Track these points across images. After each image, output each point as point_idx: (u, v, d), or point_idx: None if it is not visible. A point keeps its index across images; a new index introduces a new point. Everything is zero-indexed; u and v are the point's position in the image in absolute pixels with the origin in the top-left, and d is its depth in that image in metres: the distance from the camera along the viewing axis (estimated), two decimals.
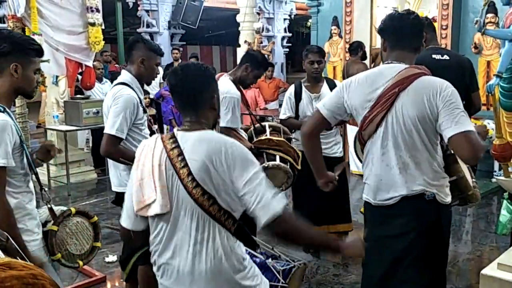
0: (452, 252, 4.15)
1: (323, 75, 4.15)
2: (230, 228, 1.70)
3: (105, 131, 2.75)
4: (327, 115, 2.31)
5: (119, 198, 2.97)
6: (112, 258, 4.12)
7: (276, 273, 2.05)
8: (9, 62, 2.06)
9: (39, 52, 2.17)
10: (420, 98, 2.10)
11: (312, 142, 2.42)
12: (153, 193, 1.70)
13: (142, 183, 1.74)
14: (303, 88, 3.97)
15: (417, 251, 2.21)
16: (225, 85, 3.32)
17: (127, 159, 2.73)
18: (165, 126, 7.80)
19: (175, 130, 1.81)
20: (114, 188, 2.99)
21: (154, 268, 1.83)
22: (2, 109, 2.05)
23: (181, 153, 1.70)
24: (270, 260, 2.13)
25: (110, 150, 2.75)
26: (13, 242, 1.66)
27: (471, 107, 3.50)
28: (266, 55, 11.50)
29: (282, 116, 4.02)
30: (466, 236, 4.73)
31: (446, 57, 3.27)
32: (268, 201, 1.64)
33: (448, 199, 2.24)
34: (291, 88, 4.05)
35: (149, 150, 1.76)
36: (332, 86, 3.96)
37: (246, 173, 1.66)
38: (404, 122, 2.13)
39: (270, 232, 1.68)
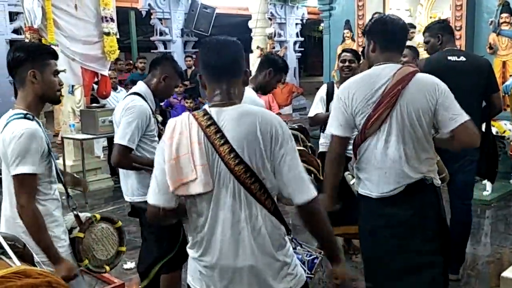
0: (471, 255, 4.11)
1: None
2: (269, 208, 1.70)
3: (116, 141, 2.73)
4: (343, 133, 2.37)
5: (134, 209, 2.98)
6: (130, 265, 4.14)
7: (301, 264, 2.06)
8: (26, 69, 2.09)
9: (52, 54, 2.19)
10: (422, 94, 2.26)
11: (338, 167, 2.44)
12: (192, 172, 1.65)
13: (177, 161, 1.67)
14: (335, 88, 4.01)
15: (423, 231, 2.37)
16: (248, 94, 3.18)
17: (140, 163, 2.75)
18: None
19: (206, 106, 1.74)
20: (126, 198, 2.96)
21: (193, 250, 1.78)
22: (31, 117, 2.09)
23: (219, 130, 1.65)
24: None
25: (122, 160, 2.74)
26: (30, 249, 1.69)
27: (492, 109, 3.45)
28: None
29: (312, 114, 4.06)
30: (485, 239, 4.68)
31: (462, 58, 3.24)
32: (306, 181, 1.68)
33: (439, 181, 2.46)
34: (324, 88, 4.09)
35: (184, 126, 1.69)
36: None
37: (286, 147, 1.67)
38: (408, 117, 2.26)
39: (301, 212, 1.70)
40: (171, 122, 1.74)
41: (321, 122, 4.04)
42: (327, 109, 3.98)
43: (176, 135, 1.69)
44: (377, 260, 2.45)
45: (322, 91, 4.07)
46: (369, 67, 2.45)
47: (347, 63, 3.93)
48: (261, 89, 3.42)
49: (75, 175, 2.59)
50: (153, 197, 1.74)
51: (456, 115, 2.25)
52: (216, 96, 1.73)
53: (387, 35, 2.37)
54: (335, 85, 4.04)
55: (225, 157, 1.64)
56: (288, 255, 1.77)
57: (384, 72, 2.31)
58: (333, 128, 2.39)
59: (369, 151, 2.35)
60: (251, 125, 1.65)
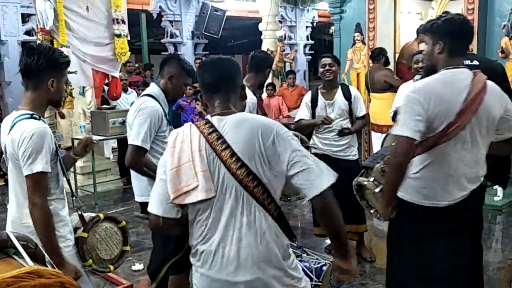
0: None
1: (339, 81, 4.29)
2: (273, 213, 1.69)
3: (130, 142, 2.77)
4: (416, 135, 2.20)
5: (144, 209, 3.00)
6: (138, 266, 4.15)
7: (309, 272, 2.04)
8: (46, 77, 2.14)
9: (68, 63, 2.26)
10: (496, 101, 2.29)
11: (404, 173, 2.30)
12: (193, 179, 1.68)
13: (179, 169, 1.70)
14: (319, 94, 4.12)
15: (479, 230, 2.55)
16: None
17: (152, 170, 2.76)
18: None
19: (208, 116, 1.80)
20: (137, 198, 2.99)
21: (194, 259, 1.79)
22: (38, 118, 2.12)
23: (220, 136, 1.69)
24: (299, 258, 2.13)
25: (135, 161, 2.76)
26: (42, 249, 1.70)
27: None
28: (288, 63, 11.56)
29: (296, 119, 4.20)
30: (496, 245, 4.63)
31: (475, 62, 3.21)
32: (315, 172, 1.68)
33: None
34: (308, 94, 4.22)
35: (186, 136, 1.74)
36: (346, 92, 4.10)
37: (291, 146, 1.69)
38: (485, 124, 2.27)
39: (315, 204, 1.71)
40: (173, 133, 1.80)
41: (303, 128, 4.13)
42: (313, 114, 4.10)
43: (178, 145, 1.74)
44: (424, 272, 2.41)
45: (307, 97, 4.19)
46: (431, 67, 2.36)
47: (327, 67, 4.03)
48: (259, 87, 3.66)
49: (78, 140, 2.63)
50: (153, 207, 1.77)
51: None
52: (217, 107, 1.80)
53: (459, 38, 2.29)
54: (319, 91, 4.14)
55: (227, 161, 1.66)
56: (293, 267, 1.75)
57: (460, 77, 2.26)
58: (409, 130, 2.20)
59: (441, 157, 2.27)
60: (251, 131, 1.69)
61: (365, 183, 2.60)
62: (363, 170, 2.79)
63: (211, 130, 1.71)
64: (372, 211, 2.64)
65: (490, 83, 2.30)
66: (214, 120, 1.75)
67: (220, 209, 1.69)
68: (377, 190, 2.50)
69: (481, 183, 2.36)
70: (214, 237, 1.70)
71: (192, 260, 1.80)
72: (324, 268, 2.41)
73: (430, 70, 2.37)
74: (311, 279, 2.06)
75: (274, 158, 1.67)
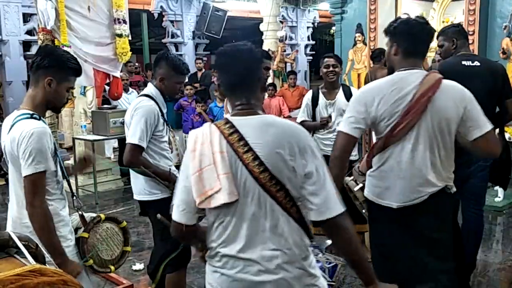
0: (482, 262, 4.07)
1: (340, 82, 4.28)
2: (295, 216, 1.65)
3: (127, 140, 2.80)
4: (353, 132, 2.28)
5: (143, 208, 3.04)
6: (139, 266, 4.15)
7: (322, 271, 2.04)
8: (45, 74, 2.12)
9: (77, 72, 2.22)
10: (451, 102, 2.22)
11: (344, 166, 2.34)
12: (216, 182, 1.61)
13: (201, 173, 1.63)
14: (320, 94, 4.14)
15: (443, 238, 2.37)
16: None
17: (149, 168, 2.79)
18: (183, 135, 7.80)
19: (227, 116, 1.73)
20: (135, 197, 3.01)
21: (213, 260, 1.72)
22: (38, 117, 2.12)
23: (242, 138, 1.62)
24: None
25: (133, 160, 2.78)
26: (42, 249, 1.70)
27: (506, 114, 3.41)
28: (289, 64, 11.56)
29: (298, 120, 4.18)
30: (496, 246, 4.63)
31: (476, 63, 3.21)
32: (333, 196, 1.63)
33: (455, 188, 2.39)
34: (309, 94, 4.24)
35: (205, 137, 1.67)
36: (347, 92, 4.10)
37: (315, 161, 1.63)
38: (437, 125, 2.22)
39: (326, 227, 1.65)
40: (192, 134, 1.72)
41: (307, 129, 4.11)
42: (313, 114, 4.12)
43: (199, 147, 1.67)
44: (390, 269, 2.40)
45: (308, 97, 4.19)
46: (390, 69, 2.38)
47: (331, 68, 4.02)
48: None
49: (81, 158, 2.62)
50: (178, 216, 1.72)
51: (480, 124, 2.23)
52: (237, 106, 1.72)
53: (412, 40, 2.28)
54: (320, 90, 4.14)
55: (249, 165, 1.60)
56: (312, 266, 1.72)
57: (410, 78, 2.24)
58: (347, 127, 2.29)
59: (393, 159, 2.28)
60: (276, 136, 1.62)
61: (348, 182, 2.63)
62: (350, 170, 2.81)
63: (232, 130, 1.64)
64: (364, 210, 2.66)
65: (447, 83, 2.25)
66: (235, 120, 1.67)
67: (241, 213, 1.64)
68: (356, 188, 2.53)
69: (445, 187, 2.30)
70: (236, 241, 1.66)
71: (210, 261, 1.75)
72: (336, 268, 2.42)
73: (390, 72, 2.39)
74: (325, 279, 2.07)
75: (297, 167, 1.62)
